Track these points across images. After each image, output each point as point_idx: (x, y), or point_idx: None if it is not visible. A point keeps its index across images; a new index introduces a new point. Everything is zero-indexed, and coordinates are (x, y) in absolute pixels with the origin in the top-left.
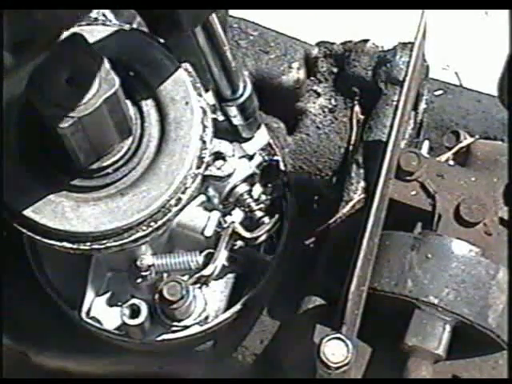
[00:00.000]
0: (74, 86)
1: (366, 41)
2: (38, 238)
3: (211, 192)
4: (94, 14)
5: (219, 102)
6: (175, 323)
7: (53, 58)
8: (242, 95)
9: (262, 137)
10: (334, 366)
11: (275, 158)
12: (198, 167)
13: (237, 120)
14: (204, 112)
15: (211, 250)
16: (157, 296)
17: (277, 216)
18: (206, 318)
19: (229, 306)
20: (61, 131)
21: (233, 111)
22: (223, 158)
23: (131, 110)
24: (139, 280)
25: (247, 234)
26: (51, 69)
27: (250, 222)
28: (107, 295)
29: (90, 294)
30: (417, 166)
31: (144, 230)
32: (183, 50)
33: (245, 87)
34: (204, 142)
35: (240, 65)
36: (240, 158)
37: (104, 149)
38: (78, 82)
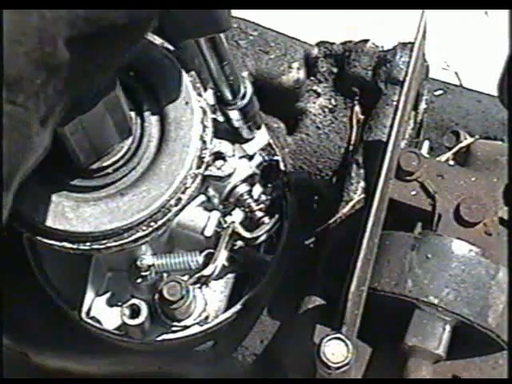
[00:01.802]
0: None
1: (366, 41)
2: (37, 238)
3: (211, 192)
4: None
5: (220, 105)
6: (175, 323)
7: None
8: (243, 99)
9: (261, 137)
10: (334, 366)
11: (275, 157)
12: (198, 167)
13: (237, 123)
14: (204, 112)
15: (211, 250)
16: (157, 296)
17: (277, 216)
18: (206, 318)
19: (229, 306)
20: (61, 131)
21: (234, 115)
22: (223, 158)
23: (131, 110)
24: (139, 280)
25: (247, 234)
26: None
27: (250, 222)
28: (107, 295)
29: (90, 294)
30: (417, 166)
31: (144, 230)
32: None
33: (246, 91)
34: (204, 142)
35: (240, 67)
36: (240, 158)
37: (104, 149)
38: None
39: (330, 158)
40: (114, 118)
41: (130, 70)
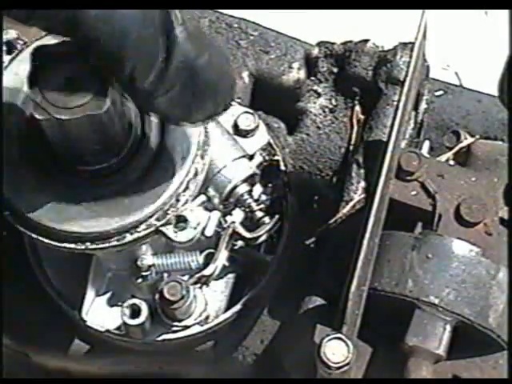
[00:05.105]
0: (74, 86)
1: (366, 41)
2: (38, 238)
3: (211, 192)
4: None
5: None
6: (175, 323)
7: (53, 59)
8: None
9: (261, 137)
10: (335, 366)
11: (275, 157)
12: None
13: None
14: None
15: (211, 250)
16: (157, 296)
17: (277, 216)
18: (207, 317)
19: (229, 305)
20: (61, 131)
21: None
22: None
23: (132, 110)
24: (139, 280)
25: (247, 234)
26: (51, 69)
27: (250, 222)
28: (107, 295)
29: (90, 294)
30: (417, 166)
31: (144, 230)
32: None
33: None
34: (205, 141)
35: (240, 67)
36: (240, 157)
37: (104, 149)
38: (77, 83)
39: (330, 158)
40: (114, 118)
41: None
